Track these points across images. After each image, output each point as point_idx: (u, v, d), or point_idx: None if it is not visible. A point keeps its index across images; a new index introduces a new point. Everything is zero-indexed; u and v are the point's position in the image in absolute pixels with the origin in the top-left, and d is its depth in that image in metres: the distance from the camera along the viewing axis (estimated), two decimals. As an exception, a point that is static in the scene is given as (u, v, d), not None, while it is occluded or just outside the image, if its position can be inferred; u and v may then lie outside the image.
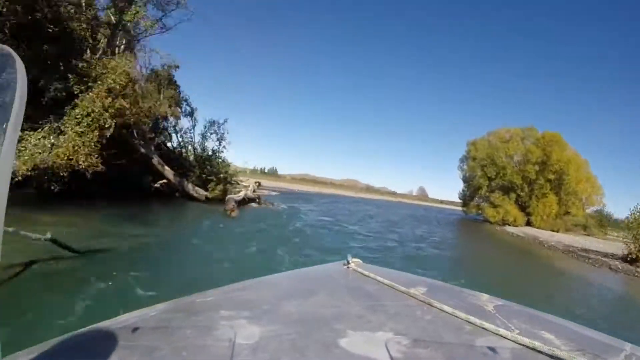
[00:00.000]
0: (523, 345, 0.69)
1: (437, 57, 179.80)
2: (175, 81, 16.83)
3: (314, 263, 2.58)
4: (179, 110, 17.18)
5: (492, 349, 0.69)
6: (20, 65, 0.51)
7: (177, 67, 16.24)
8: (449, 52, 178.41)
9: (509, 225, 29.12)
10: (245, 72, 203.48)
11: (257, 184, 23.87)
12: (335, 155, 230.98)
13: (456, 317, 0.84)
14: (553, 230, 28.00)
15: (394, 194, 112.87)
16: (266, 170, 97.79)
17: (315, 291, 1.10)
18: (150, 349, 0.76)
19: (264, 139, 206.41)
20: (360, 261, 1.38)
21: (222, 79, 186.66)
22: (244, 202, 15.53)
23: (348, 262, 1.36)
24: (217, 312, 0.96)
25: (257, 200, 17.69)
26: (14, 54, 0.51)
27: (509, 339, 0.72)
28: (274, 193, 28.14)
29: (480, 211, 33.44)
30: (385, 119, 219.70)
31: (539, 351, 0.66)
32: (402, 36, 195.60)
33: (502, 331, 0.74)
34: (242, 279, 1.24)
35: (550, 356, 0.64)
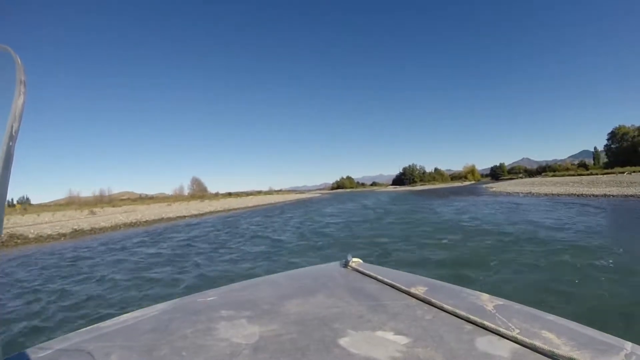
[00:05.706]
0: (523, 344, 0.69)
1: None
2: None
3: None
4: None
5: (492, 349, 0.69)
6: (20, 66, 0.51)
7: None
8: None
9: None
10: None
11: None
12: (104, 168, 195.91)
13: (456, 316, 0.84)
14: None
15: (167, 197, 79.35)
16: (15, 202, 58.48)
17: (315, 291, 1.11)
18: (150, 349, 0.76)
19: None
20: (361, 261, 1.38)
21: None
22: None
23: (348, 262, 1.36)
24: (217, 312, 0.97)
25: None
26: (14, 53, 0.51)
27: (509, 339, 0.72)
28: None
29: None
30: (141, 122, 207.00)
31: (538, 351, 0.66)
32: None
33: (502, 330, 0.74)
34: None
35: (550, 356, 0.65)
